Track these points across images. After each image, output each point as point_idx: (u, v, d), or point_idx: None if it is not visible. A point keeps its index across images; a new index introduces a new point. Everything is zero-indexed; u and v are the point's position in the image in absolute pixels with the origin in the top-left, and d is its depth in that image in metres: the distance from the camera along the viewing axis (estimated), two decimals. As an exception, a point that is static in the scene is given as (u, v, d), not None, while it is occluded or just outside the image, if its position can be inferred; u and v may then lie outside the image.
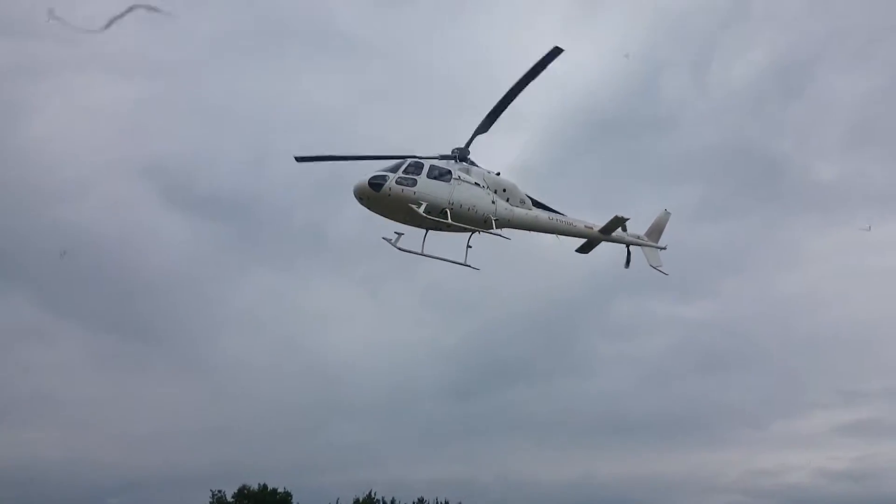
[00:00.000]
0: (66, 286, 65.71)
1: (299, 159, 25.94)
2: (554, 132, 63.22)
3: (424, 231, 25.40)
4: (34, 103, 72.22)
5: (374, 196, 23.96)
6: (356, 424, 64.91)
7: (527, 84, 24.21)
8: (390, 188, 23.84)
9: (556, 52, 23.44)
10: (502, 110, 24.90)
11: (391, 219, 24.81)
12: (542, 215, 27.80)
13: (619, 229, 29.42)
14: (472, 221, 25.35)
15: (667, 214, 31.19)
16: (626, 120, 63.24)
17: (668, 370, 66.84)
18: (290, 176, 63.34)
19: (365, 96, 69.17)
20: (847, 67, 61.20)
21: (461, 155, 26.13)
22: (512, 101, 24.69)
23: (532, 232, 27.67)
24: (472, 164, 26.43)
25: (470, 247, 25.78)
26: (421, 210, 23.88)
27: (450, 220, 24.57)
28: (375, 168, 24.42)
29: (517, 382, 67.49)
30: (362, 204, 24.30)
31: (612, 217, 28.52)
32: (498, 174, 26.96)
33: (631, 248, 30.20)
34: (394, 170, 24.21)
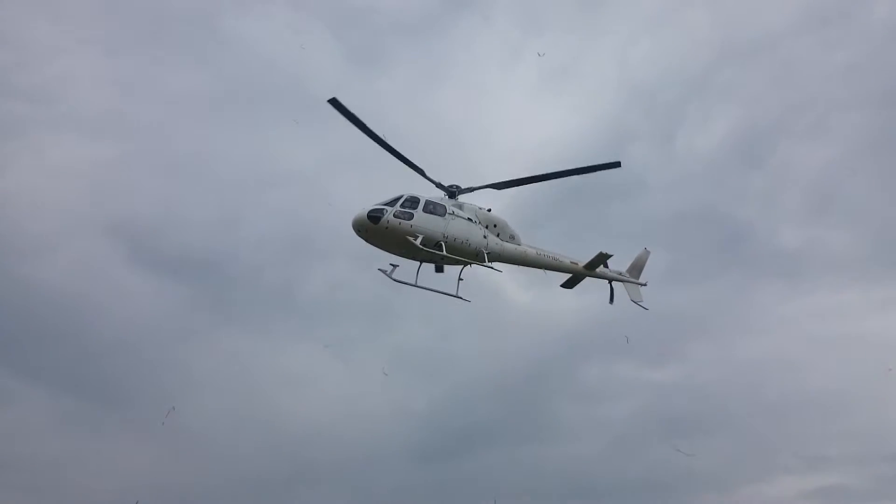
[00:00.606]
0: (28, 345, 64.20)
1: (332, 102, 26.28)
2: (524, 194, 64.05)
3: (418, 264, 26.42)
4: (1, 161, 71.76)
5: (372, 228, 24.89)
6: (321, 490, 63.35)
7: (570, 175, 26.25)
8: (388, 221, 24.81)
9: (615, 164, 25.78)
10: (529, 183, 26.59)
11: (387, 251, 25.73)
12: (531, 251, 28.98)
13: (603, 266, 30.74)
14: (465, 254, 26.37)
15: (647, 252, 32.53)
16: (595, 185, 64.36)
17: (636, 434, 66.54)
18: (260, 236, 63.37)
19: (335, 159, 69.76)
20: (806, 138, 63.21)
21: (456, 192, 27.31)
22: (544, 181, 26.56)
23: (523, 266, 29.07)
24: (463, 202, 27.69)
25: (461, 279, 26.73)
26: (418, 242, 24.80)
27: (444, 253, 25.50)
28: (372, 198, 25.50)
29: (485, 447, 66.67)
30: (360, 236, 25.18)
31: (597, 253, 29.81)
32: (489, 210, 28.15)
33: (613, 283, 31.40)
34: (391, 203, 25.15)
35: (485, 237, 27.23)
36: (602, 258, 30.08)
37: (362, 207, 24.98)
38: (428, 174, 26.92)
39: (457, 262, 26.68)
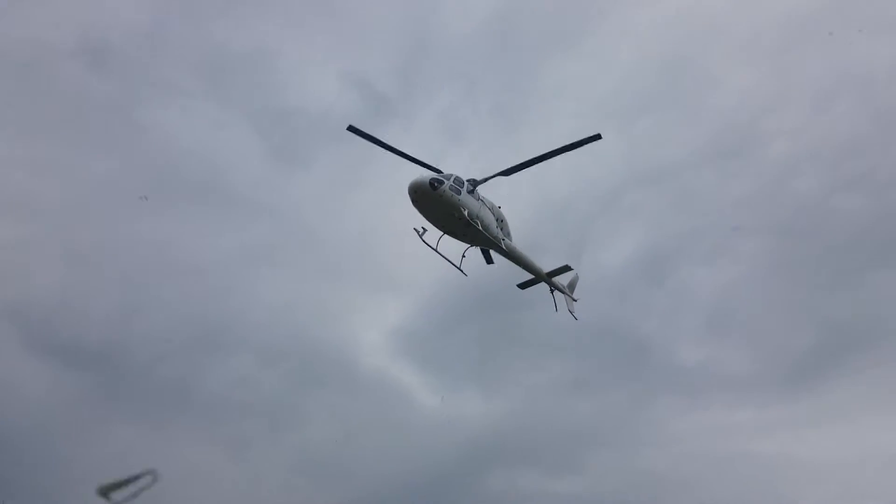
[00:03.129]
0: None
1: (351, 128, 28.68)
2: (436, 300, 64.99)
3: (440, 234, 28.82)
4: None
5: (429, 193, 26.83)
6: None
7: (561, 154, 28.32)
8: (444, 191, 26.98)
9: (596, 137, 28.20)
10: (530, 166, 28.84)
11: (429, 217, 27.77)
12: (519, 250, 32.18)
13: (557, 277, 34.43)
14: (485, 237, 29.25)
15: (576, 275, 36.34)
16: (508, 294, 65.84)
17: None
18: (161, 328, 61.18)
19: (247, 254, 69.10)
20: (705, 261, 67.03)
21: (473, 187, 29.17)
22: (541, 162, 28.72)
23: (512, 261, 32.20)
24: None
25: (464, 256, 29.75)
26: (465, 214, 27.51)
27: (480, 227, 28.45)
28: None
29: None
30: (414, 197, 27.01)
31: (563, 265, 33.87)
32: (500, 207, 30.95)
33: (555, 293, 34.78)
34: (447, 178, 27.41)
35: (500, 228, 30.52)
36: (564, 269, 33.98)
37: (420, 174, 27.04)
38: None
39: (483, 243, 29.82)
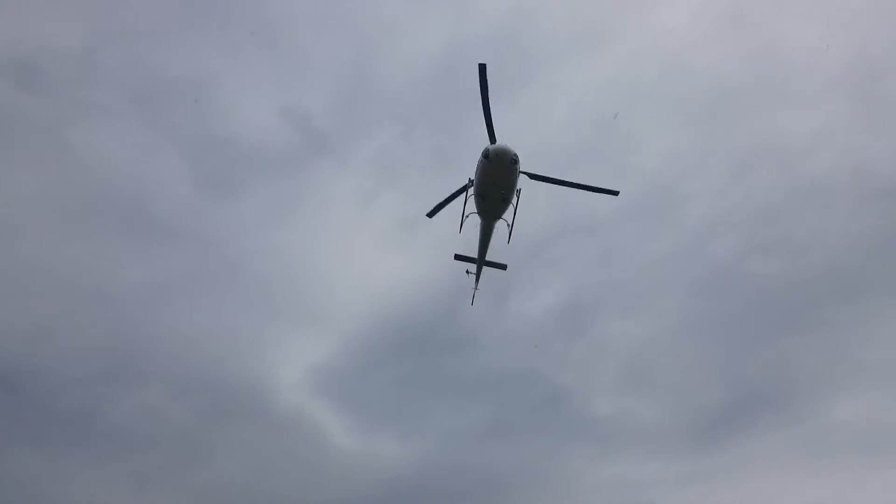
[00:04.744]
0: None
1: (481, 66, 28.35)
2: (360, 339, 64.69)
3: (471, 192, 30.92)
4: None
5: (506, 163, 28.42)
6: None
7: (578, 188, 30.67)
8: (516, 169, 28.87)
9: (614, 192, 30.71)
10: (548, 182, 30.55)
11: (485, 178, 29.22)
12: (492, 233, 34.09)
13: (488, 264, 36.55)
14: (498, 215, 31.67)
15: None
16: (431, 337, 66.13)
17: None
18: (69, 354, 59.02)
19: (167, 282, 67.51)
20: (622, 315, 68.54)
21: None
22: (557, 184, 30.79)
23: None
24: None
25: (467, 216, 32.32)
26: (514, 195, 30.10)
27: (506, 208, 31.13)
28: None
29: None
30: (489, 158, 28.26)
31: (501, 264, 36.25)
32: None
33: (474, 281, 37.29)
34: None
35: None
36: (500, 266, 36.39)
37: (507, 145, 28.17)
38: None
39: (493, 218, 31.94)
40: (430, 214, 33.85)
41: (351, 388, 64.02)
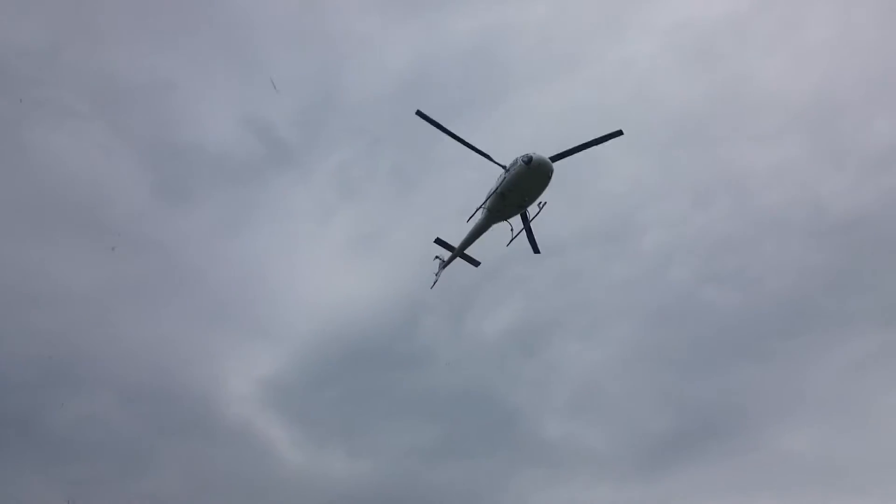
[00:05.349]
0: None
1: (419, 113, 30.38)
2: (313, 353, 64.02)
3: (499, 192, 31.49)
4: None
5: (544, 176, 30.10)
6: None
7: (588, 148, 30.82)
8: (548, 181, 30.40)
9: (617, 133, 30.88)
10: (564, 157, 30.78)
11: (519, 182, 30.37)
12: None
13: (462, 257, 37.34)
14: (509, 214, 32.95)
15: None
16: (384, 354, 65.69)
17: None
18: (12, 359, 57.32)
19: (118, 287, 66.17)
20: (578, 338, 68.72)
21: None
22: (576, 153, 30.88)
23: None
24: None
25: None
26: (537, 203, 31.64)
27: (520, 213, 32.74)
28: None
29: None
30: (531, 165, 29.60)
31: (475, 263, 37.31)
32: None
33: (444, 269, 37.88)
34: None
35: None
36: (475, 262, 37.39)
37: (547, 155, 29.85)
38: (496, 159, 31.49)
39: (505, 217, 33.19)
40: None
41: (302, 401, 63.24)
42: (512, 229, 33.44)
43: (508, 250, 34.29)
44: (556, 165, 30.62)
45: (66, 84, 69.88)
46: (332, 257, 72.61)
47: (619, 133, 30.98)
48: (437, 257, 38.12)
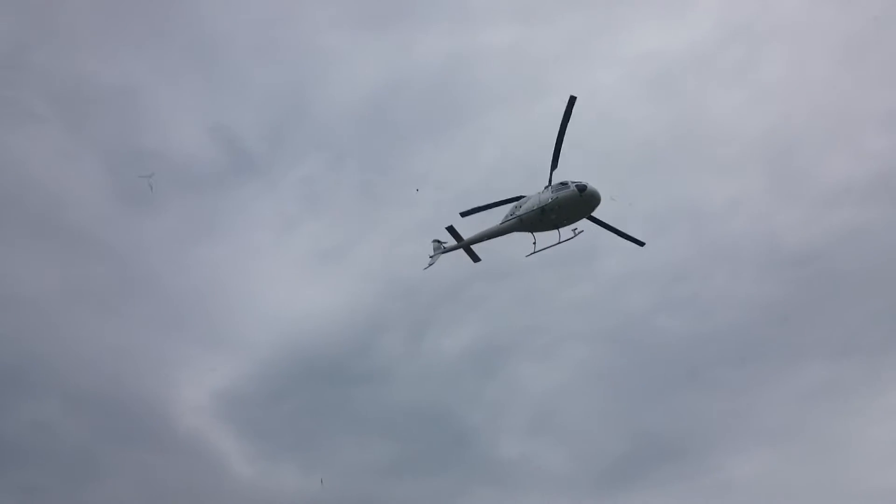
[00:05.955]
0: None
1: (464, 214, 35.54)
2: (270, 365, 63.70)
3: (533, 213, 34.13)
4: None
5: (590, 206, 32.76)
6: None
7: (564, 134, 32.52)
8: (590, 212, 33.22)
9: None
10: (559, 153, 33.03)
11: (559, 210, 32.77)
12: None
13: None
14: (527, 229, 35.04)
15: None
16: (343, 369, 65.70)
17: None
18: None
19: (74, 292, 65.22)
20: (536, 359, 69.37)
21: None
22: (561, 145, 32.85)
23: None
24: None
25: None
26: (572, 229, 33.91)
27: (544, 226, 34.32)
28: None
29: None
30: (583, 194, 32.20)
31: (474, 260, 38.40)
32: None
33: (442, 255, 38.90)
34: None
35: None
36: (476, 258, 38.45)
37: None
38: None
39: (525, 229, 35.14)
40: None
41: (256, 414, 62.79)
42: (535, 242, 35.07)
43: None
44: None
45: (30, 85, 69.22)
46: (294, 270, 72.57)
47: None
48: (436, 240, 38.80)
